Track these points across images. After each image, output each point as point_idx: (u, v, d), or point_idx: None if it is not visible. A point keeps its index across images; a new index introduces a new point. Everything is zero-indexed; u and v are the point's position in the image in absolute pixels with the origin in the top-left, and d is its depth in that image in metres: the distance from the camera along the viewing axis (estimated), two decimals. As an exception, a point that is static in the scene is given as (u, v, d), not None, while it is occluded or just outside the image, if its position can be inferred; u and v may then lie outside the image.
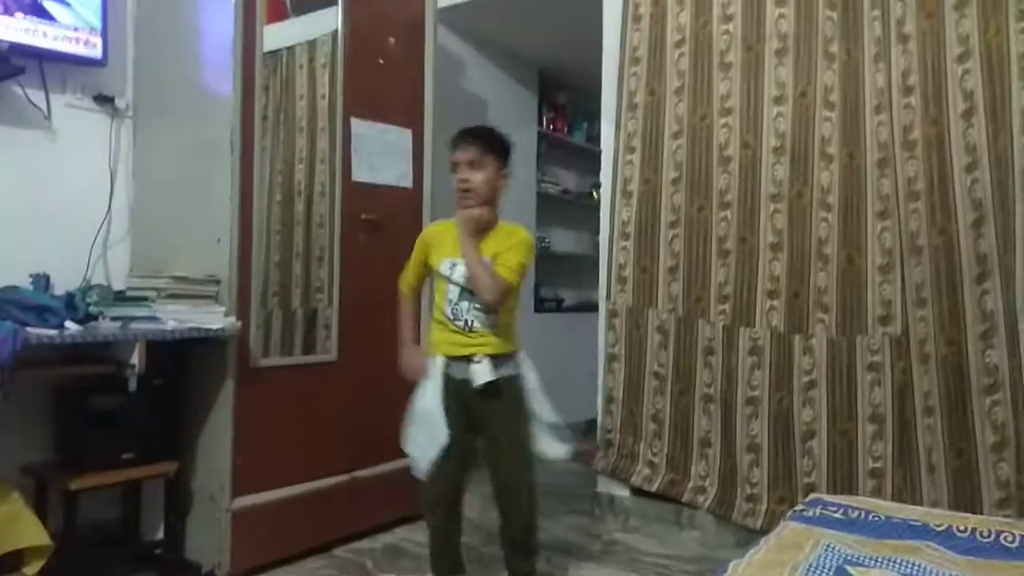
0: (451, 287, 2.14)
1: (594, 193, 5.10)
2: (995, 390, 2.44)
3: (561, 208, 5.27)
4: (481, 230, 2.13)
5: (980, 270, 2.47)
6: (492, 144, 2.16)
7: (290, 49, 2.87)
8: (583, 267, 4.94)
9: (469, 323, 2.12)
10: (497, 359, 2.12)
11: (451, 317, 2.13)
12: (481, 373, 2.08)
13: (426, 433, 2.11)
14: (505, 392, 2.13)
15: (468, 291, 2.11)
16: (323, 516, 2.70)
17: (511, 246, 2.13)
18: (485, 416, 2.14)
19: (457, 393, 2.12)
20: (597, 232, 3.35)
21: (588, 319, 3.61)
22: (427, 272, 2.25)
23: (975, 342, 2.47)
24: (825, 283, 2.76)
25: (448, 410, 2.10)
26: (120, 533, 2.57)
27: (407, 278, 2.31)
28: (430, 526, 2.25)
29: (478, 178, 2.12)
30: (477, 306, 2.11)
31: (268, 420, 2.57)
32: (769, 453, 2.85)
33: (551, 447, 2.19)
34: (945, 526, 1.80)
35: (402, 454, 2.46)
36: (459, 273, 2.12)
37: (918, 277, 2.58)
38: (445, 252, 2.16)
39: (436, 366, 2.14)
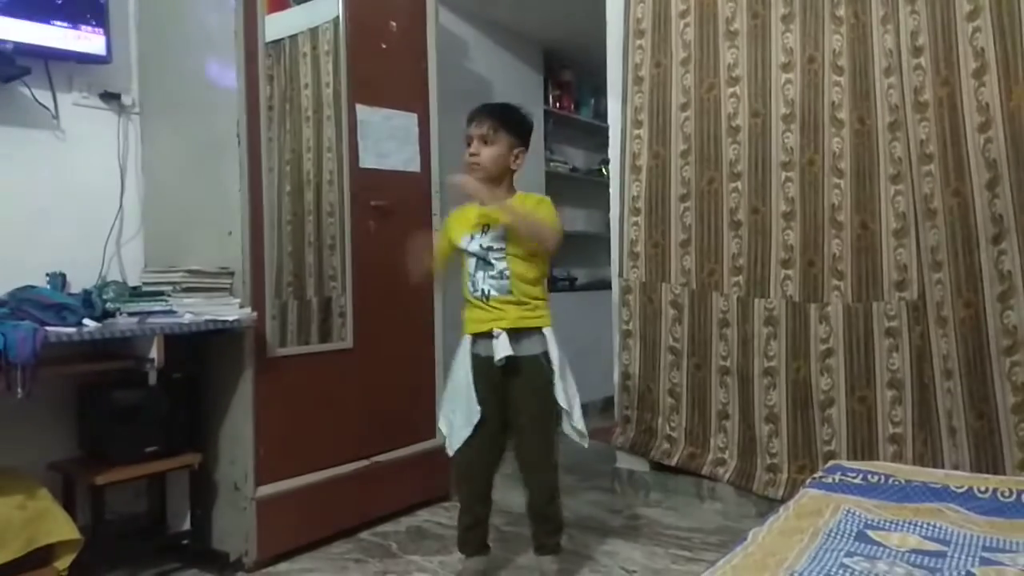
0: (470, 260, 2.15)
1: (603, 170, 5.07)
2: (1015, 351, 2.42)
3: (571, 186, 5.24)
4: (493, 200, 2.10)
5: (996, 231, 2.44)
6: (507, 121, 2.14)
7: (292, 38, 2.86)
8: (595, 245, 4.92)
9: (486, 293, 2.12)
10: (518, 333, 2.10)
11: (472, 290, 2.15)
12: (499, 348, 2.07)
13: (459, 411, 2.13)
14: (528, 369, 2.11)
15: (483, 260, 2.12)
16: (346, 501, 2.73)
17: (534, 206, 2.14)
18: (509, 392, 2.13)
19: (483, 371, 2.12)
20: (607, 209, 3.34)
21: (602, 297, 3.61)
22: (455, 253, 2.23)
23: (993, 304, 2.45)
24: (839, 250, 2.74)
25: (477, 389, 2.11)
26: (147, 525, 2.60)
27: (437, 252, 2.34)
28: (462, 504, 2.27)
29: (487, 154, 2.11)
30: (492, 275, 2.11)
31: (288, 409, 2.59)
32: (788, 423, 2.85)
33: (572, 432, 2.19)
34: (965, 488, 1.80)
35: (422, 438, 2.50)
36: (477, 244, 2.13)
37: (933, 240, 2.56)
38: (466, 228, 2.17)
39: (464, 346, 2.16)
